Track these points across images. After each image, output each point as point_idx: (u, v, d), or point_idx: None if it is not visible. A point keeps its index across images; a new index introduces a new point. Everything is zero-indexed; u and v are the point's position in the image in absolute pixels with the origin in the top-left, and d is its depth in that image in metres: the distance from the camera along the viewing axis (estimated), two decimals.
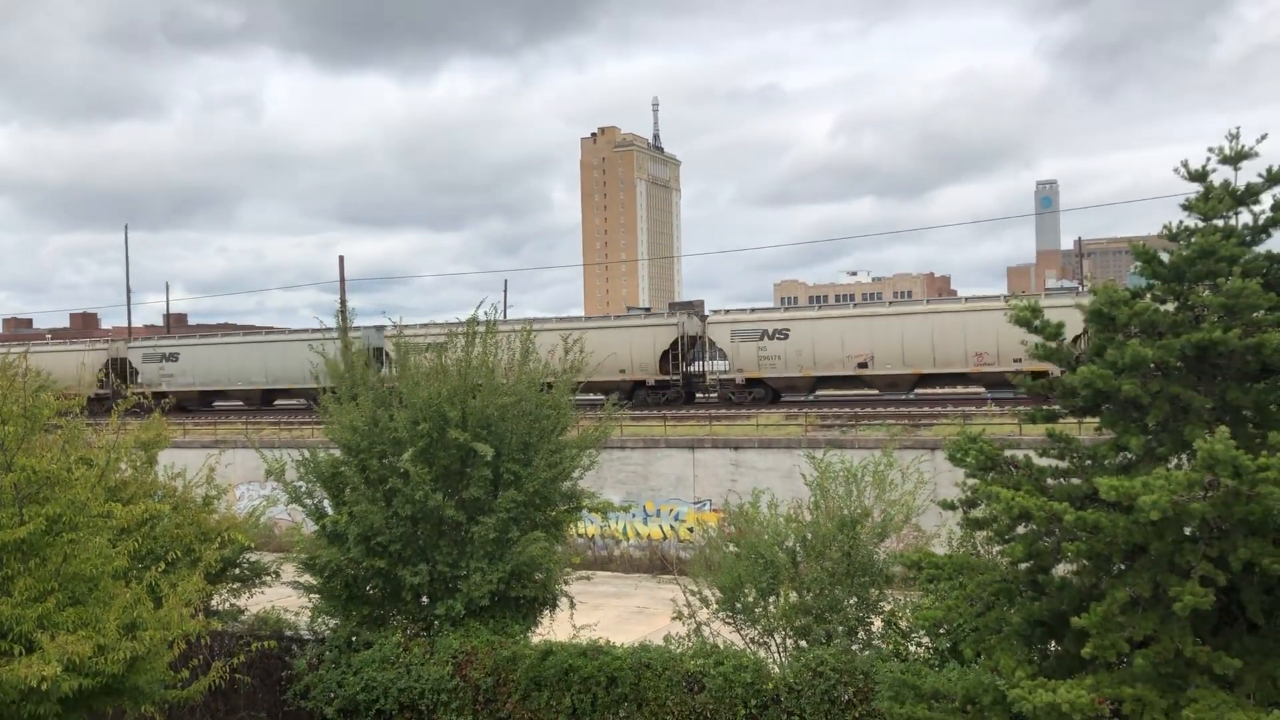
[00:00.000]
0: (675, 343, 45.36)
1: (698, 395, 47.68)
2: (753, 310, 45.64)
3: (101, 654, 10.61)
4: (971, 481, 10.09)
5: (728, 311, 46.03)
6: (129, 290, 67.64)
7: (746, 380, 43.30)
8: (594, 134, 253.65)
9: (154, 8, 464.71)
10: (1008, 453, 10.23)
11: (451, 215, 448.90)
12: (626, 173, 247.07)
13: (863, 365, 41.77)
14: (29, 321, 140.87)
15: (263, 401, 54.31)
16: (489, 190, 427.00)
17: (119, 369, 55.71)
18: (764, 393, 43.53)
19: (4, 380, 12.41)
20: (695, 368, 48.03)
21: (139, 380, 54.70)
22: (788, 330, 43.44)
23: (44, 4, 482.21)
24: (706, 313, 48.33)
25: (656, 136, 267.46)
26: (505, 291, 70.37)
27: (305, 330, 49.41)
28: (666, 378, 45.34)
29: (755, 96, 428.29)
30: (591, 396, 43.12)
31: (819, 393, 45.54)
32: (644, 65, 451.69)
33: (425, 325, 48.29)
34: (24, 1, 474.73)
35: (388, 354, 40.63)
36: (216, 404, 57.24)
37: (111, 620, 10.97)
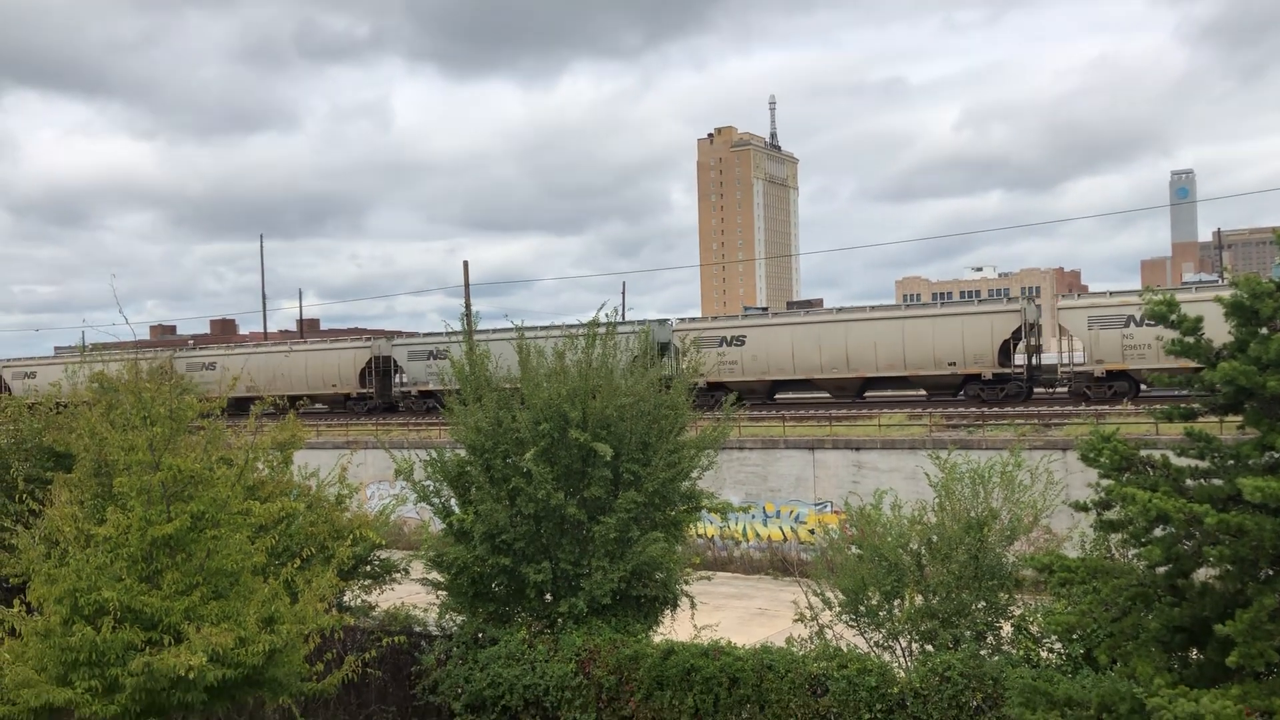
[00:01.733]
0: None
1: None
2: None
3: (243, 646, 11.08)
4: (1105, 482, 9.75)
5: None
6: (264, 297, 70.55)
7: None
8: (710, 135, 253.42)
9: (287, 23, 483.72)
10: (1144, 452, 9.85)
11: (573, 219, 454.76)
12: (743, 172, 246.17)
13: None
14: (173, 328, 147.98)
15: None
16: (609, 193, 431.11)
17: (381, 367, 55.30)
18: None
19: (153, 384, 13.04)
20: None
21: (404, 379, 54.72)
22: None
23: (185, 26, 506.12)
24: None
25: (773, 135, 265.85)
26: (624, 294, 71.03)
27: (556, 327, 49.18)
28: None
29: (878, 90, 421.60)
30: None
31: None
32: (764, 63, 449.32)
33: (705, 320, 49.26)
34: (167, 25, 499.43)
35: (675, 348, 41.94)
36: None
37: (251, 614, 11.45)
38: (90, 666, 10.76)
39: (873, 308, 44.87)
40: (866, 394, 44.85)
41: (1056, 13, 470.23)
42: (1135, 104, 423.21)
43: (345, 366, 55.50)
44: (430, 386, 51.49)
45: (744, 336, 44.93)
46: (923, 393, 43.58)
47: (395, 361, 54.88)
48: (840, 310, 46.34)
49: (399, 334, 63.89)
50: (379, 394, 55.08)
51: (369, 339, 57.23)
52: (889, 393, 45.34)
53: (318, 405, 55.45)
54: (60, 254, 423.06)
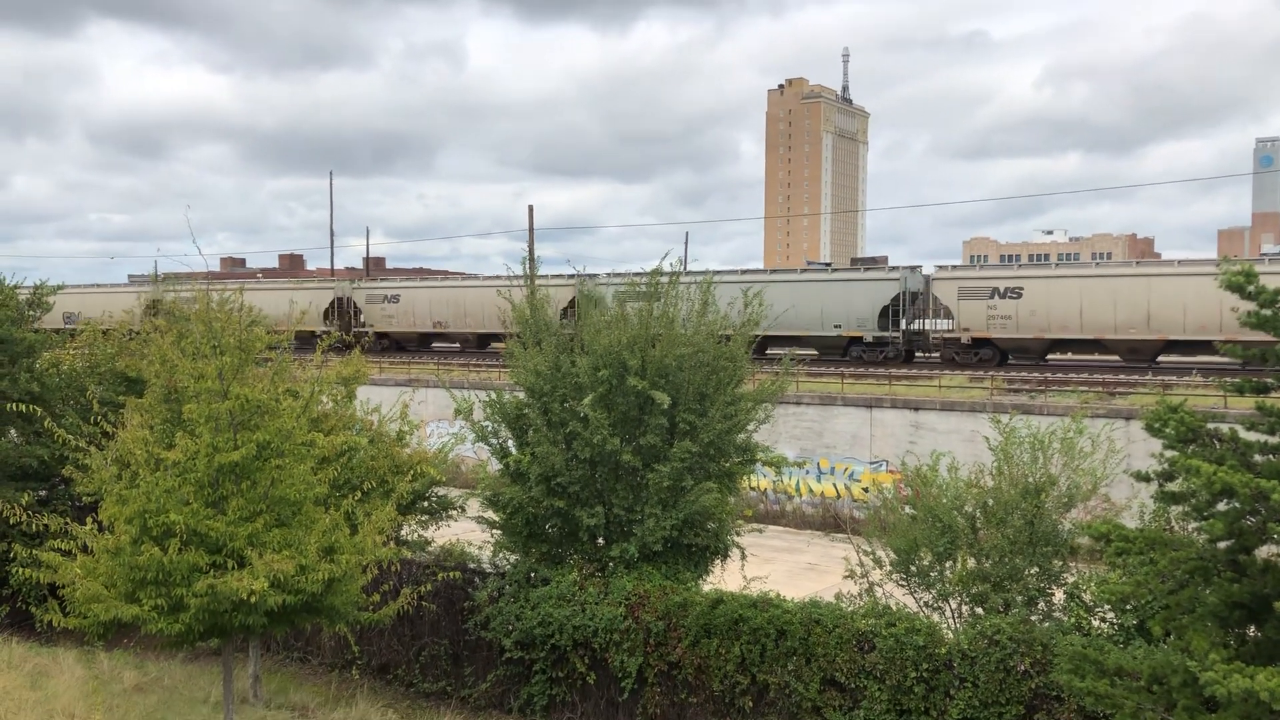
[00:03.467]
0: None
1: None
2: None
3: (303, 573, 11.38)
4: (1170, 453, 9.58)
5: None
6: (332, 234, 71.21)
7: None
8: (780, 86, 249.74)
9: None
10: (1211, 425, 9.66)
11: (640, 166, 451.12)
12: (813, 125, 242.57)
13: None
14: (243, 261, 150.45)
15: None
16: (678, 141, 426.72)
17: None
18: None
19: (222, 315, 13.30)
20: None
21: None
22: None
23: None
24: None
25: (845, 89, 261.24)
26: (686, 244, 70.95)
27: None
28: None
29: (959, 44, 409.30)
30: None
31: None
32: (845, 12, 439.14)
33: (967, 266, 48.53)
34: None
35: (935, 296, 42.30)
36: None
37: (312, 543, 11.73)
38: (157, 585, 11.12)
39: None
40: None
41: None
42: (1227, 66, 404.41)
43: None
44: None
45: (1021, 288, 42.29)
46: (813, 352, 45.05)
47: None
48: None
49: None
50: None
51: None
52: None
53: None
54: (135, 183, 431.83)
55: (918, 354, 45.29)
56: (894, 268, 44.99)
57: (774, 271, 48.29)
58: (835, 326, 43.86)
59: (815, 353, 44.87)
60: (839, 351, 44.31)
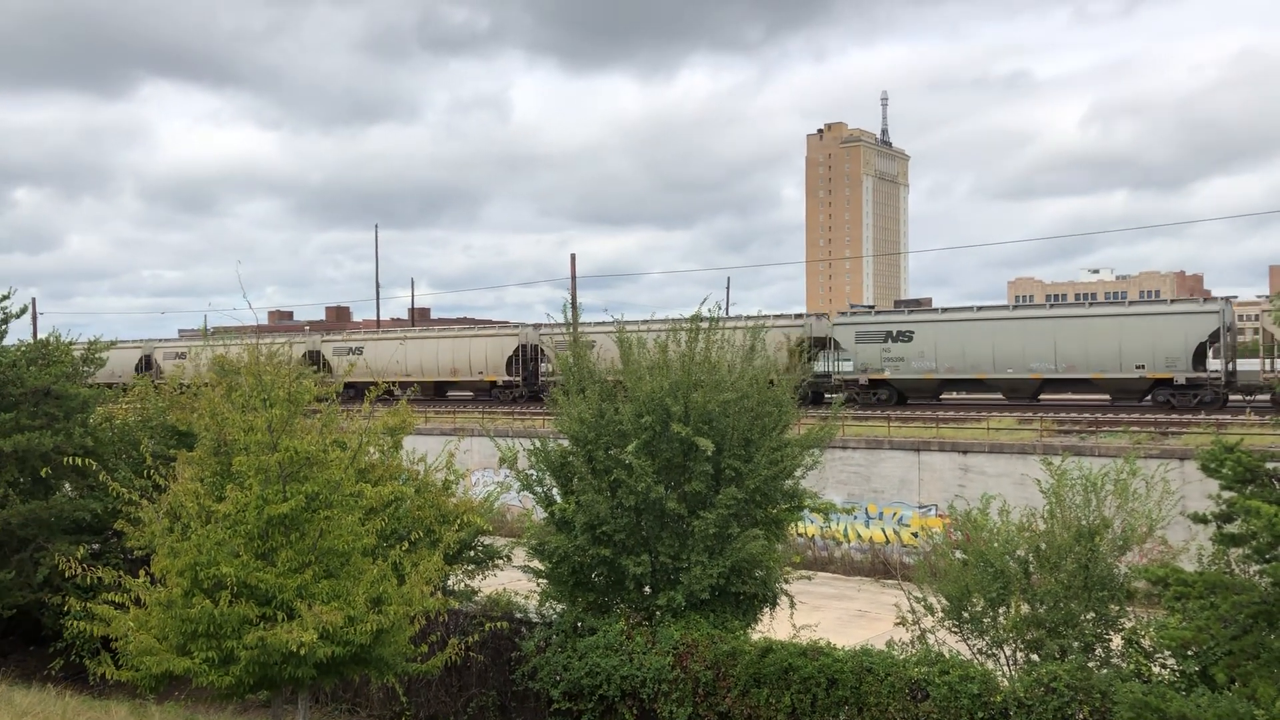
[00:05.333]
0: None
1: None
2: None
3: (351, 624, 11.41)
4: (1227, 494, 9.40)
5: None
6: (378, 285, 72.24)
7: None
8: (820, 130, 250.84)
9: (409, 14, 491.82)
10: (1270, 465, 9.46)
11: (683, 213, 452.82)
12: (853, 169, 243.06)
13: None
14: (290, 314, 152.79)
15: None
16: (721, 188, 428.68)
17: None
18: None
19: (272, 367, 13.48)
20: None
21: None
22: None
23: (311, 16, 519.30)
24: None
25: (885, 132, 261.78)
26: (728, 289, 71.26)
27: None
28: None
29: (1002, 84, 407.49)
30: None
31: None
32: (887, 55, 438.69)
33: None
34: (294, 15, 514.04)
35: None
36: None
37: (360, 594, 11.77)
38: (208, 638, 11.20)
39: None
40: None
41: (1198, 4, 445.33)
42: (1278, 101, 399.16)
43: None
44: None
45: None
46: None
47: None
48: None
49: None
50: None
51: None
52: None
53: None
54: (186, 239, 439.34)
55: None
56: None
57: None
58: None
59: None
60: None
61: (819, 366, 46.30)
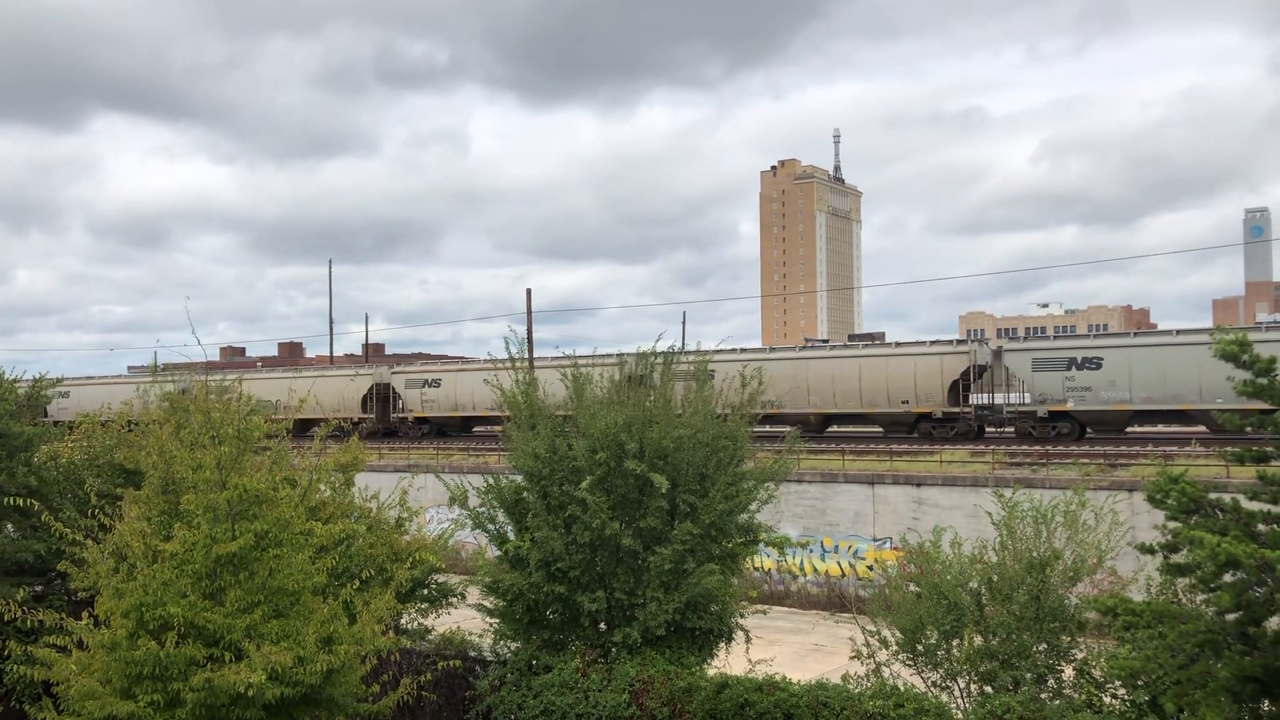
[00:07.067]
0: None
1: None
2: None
3: (301, 665, 11.21)
4: (1173, 525, 9.55)
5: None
6: (331, 321, 71.77)
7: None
8: (774, 167, 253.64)
9: (366, 48, 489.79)
10: (1213, 495, 9.63)
11: (641, 247, 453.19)
12: (806, 205, 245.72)
13: None
14: (242, 350, 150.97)
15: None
16: (678, 223, 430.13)
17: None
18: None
19: (221, 404, 13.31)
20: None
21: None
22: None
23: (268, 50, 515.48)
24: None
25: (837, 169, 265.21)
26: (684, 323, 71.37)
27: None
28: None
29: (956, 120, 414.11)
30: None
31: None
32: (844, 93, 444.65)
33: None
34: (249, 49, 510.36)
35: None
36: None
37: (310, 633, 11.59)
38: (154, 680, 10.95)
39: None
40: None
41: (1147, 44, 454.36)
42: (1223, 139, 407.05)
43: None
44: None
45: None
46: None
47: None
48: None
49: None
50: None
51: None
52: None
53: None
54: (137, 275, 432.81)
55: None
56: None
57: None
58: None
59: None
60: None
61: (975, 398, 44.13)
